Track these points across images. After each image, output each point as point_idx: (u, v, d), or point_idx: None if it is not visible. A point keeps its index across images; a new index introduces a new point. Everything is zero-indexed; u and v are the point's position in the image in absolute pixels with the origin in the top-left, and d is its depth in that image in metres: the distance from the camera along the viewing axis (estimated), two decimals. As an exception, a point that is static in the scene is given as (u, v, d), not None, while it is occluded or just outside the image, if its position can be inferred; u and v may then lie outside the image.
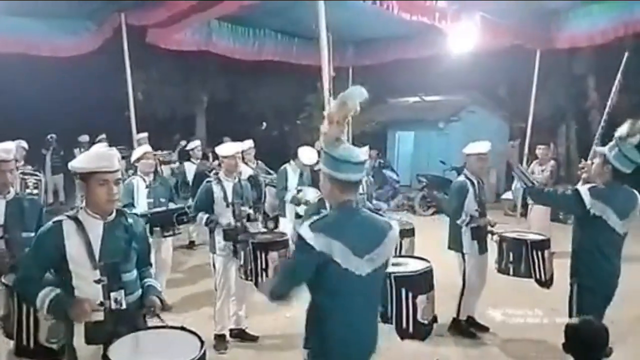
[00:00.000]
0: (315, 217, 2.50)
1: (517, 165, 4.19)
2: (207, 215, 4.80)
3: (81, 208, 2.62)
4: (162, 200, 5.61)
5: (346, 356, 2.47)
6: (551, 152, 11.29)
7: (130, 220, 2.72)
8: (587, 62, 14.61)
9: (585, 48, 9.60)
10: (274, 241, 4.47)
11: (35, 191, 6.38)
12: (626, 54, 4.52)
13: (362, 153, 2.53)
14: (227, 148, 5.05)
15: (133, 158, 5.78)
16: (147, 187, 5.56)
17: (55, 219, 2.59)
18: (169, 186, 6.08)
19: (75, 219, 2.57)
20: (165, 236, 5.43)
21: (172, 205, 5.58)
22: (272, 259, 4.22)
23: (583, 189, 3.62)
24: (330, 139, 2.50)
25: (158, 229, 5.30)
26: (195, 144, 9.18)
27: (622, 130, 3.73)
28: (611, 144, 3.67)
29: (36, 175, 6.67)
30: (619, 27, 6.66)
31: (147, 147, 5.88)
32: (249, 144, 7.78)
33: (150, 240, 5.35)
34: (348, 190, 2.49)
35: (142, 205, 5.46)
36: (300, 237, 2.39)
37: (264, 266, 4.23)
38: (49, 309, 2.50)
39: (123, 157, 8.57)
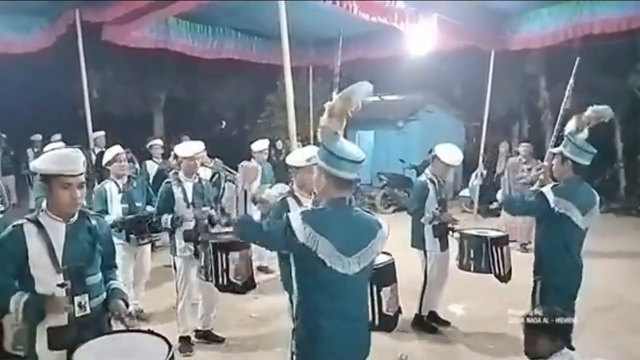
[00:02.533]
0: (309, 207, 2.50)
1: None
2: (170, 216, 4.70)
3: (42, 210, 2.53)
4: (138, 204, 5.22)
5: (336, 355, 2.43)
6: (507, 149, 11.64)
7: (93, 221, 2.65)
8: (538, 63, 15.10)
9: (537, 49, 9.93)
10: (235, 241, 4.30)
11: None
12: (577, 59, 4.69)
13: (362, 152, 2.49)
14: (186, 149, 4.93)
15: (104, 161, 5.39)
16: (120, 191, 5.17)
17: (16, 222, 2.50)
18: (145, 187, 5.60)
19: (36, 222, 2.49)
20: (140, 244, 5.18)
21: (148, 210, 5.23)
22: (233, 259, 4.12)
23: (546, 189, 3.73)
24: (329, 133, 2.44)
25: (133, 236, 5.06)
26: (155, 141, 8.97)
27: (571, 126, 3.91)
28: (564, 141, 3.83)
29: None
30: (569, 29, 6.93)
31: (118, 148, 5.39)
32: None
33: (127, 248, 5.16)
34: (343, 187, 2.44)
35: (116, 211, 5.08)
36: (288, 223, 2.34)
37: (224, 267, 4.12)
38: (24, 312, 2.42)
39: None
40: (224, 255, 4.15)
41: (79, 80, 7.08)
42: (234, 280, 4.11)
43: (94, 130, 7.38)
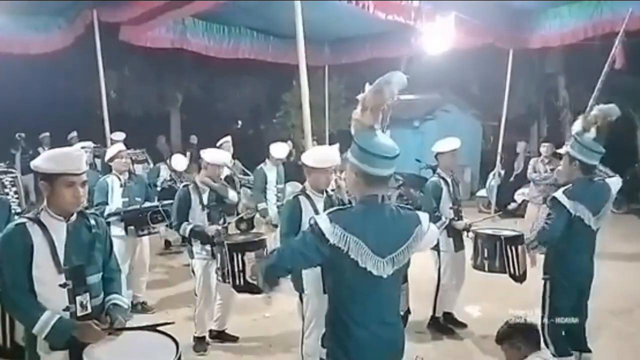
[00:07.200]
0: (336, 207, 2.35)
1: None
2: (190, 226, 4.69)
3: (42, 209, 2.49)
4: (138, 199, 5.53)
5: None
6: (524, 149, 11.48)
7: (92, 220, 2.62)
8: (557, 61, 14.91)
9: (556, 47, 9.79)
10: (250, 241, 4.35)
11: (14, 189, 6.25)
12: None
13: (395, 146, 2.30)
14: (216, 156, 4.92)
15: (107, 157, 5.72)
16: (121, 185, 5.48)
17: (17, 221, 2.47)
18: (145, 185, 5.99)
19: (37, 221, 2.44)
20: (140, 235, 5.42)
21: (146, 204, 5.50)
22: (249, 259, 4.11)
23: (559, 195, 3.67)
24: (362, 127, 2.30)
25: (132, 227, 5.30)
26: (181, 163, 8.57)
27: (577, 126, 3.87)
28: (571, 141, 3.78)
29: (11, 172, 6.55)
30: (589, 27, 6.82)
31: (120, 146, 5.80)
32: (225, 140, 7.76)
33: (126, 240, 5.37)
34: (375, 184, 2.28)
35: (116, 204, 5.41)
36: (316, 225, 2.21)
37: (240, 267, 4.12)
38: (48, 335, 2.37)
39: (97, 156, 8.46)
40: (239, 256, 4.14)
41: (96, 80, 7.15)
42: (251, 281, 4.09)
43: (111, 130, 7.45)
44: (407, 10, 6.16)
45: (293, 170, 8.28)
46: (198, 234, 4.68)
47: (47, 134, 11.57)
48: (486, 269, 4.78)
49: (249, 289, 4.16)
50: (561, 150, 3.90)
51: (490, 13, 6.86)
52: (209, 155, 4.90)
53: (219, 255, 4.36)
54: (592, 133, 3.81)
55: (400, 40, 8.20)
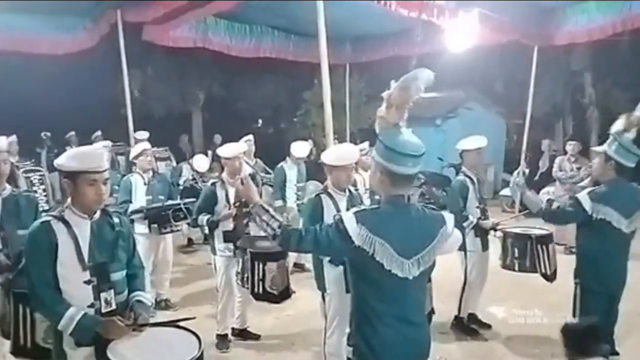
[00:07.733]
0: (363, 207, 2.33)
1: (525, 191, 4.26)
2: (207, 216, 4.72)
3: (66, 207, 2.53)
4: (161, 197, 5.59)
5: None
6: (549, 147, 11.28)
7: (115, 219, 2.66)
8: (583, 58, 14.61)
9: (582, 43, 9.58)
10: (273, 252, 4.22)
11: (42, 187, 6.38)
12: None
13: (421, 145, 2.26)
14: (229, 149, 4.92)
15: (131, 155, 5.78)
16: (145, 184, 5.54)
17: (42, 219, 2.52)
18: (168, 184, 6.05)
19: (62, 219, 2.48)
20: (162, 233, 5.48)
21: (168, 202, 5.55)
22: (270, 269, 4.12)
23: (582, 196, 3.63)
24: (387, 125, 2.27)
25: (155, 225, 5.36)
26: (203, 164, 8.61)
27: (618, 125, 3.76)
28: (609, 140, 3.68)
29: (39, 170, 6.68)
30: (617, 23, 6.64)
31: (145, 144, 5.84)
32: (248, 138, 7.79)
33: (149, 238, 5.46)
34: (400, 183, 2.25)
35: (140, 202, 5.48)
36: (341, 223, 2.19)
37: (260, 277, 4.12)
38: (73, 331, 2.40)
39: (121, 154, 8.56)
40: (261, 265, 4.13)
41: (120, 80, 7.23)
42: (270, 290, 4.12)
43: (135, 130, 7.54)
44: (429, 7, 6.08)
45: (314, 169, 8.27)
46: (215, 224, 4.70)
47: (73, 133, 11.76)
48: (516, 268, 4.71)
49: (267, 298, 4.17)
50: (598, 149, 3.79)
51: (515, 9, 6.74)
52: (223, 151, 4.92)
53: (240, 260, 4.35)
54: (633, 134, 3.70)
55: (423, 38, 8.09)
